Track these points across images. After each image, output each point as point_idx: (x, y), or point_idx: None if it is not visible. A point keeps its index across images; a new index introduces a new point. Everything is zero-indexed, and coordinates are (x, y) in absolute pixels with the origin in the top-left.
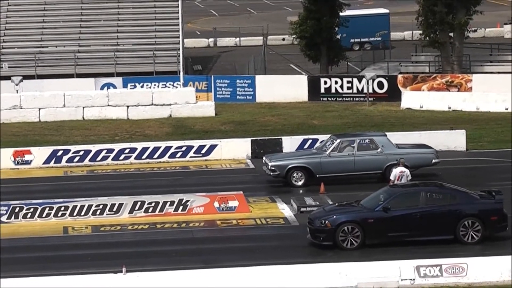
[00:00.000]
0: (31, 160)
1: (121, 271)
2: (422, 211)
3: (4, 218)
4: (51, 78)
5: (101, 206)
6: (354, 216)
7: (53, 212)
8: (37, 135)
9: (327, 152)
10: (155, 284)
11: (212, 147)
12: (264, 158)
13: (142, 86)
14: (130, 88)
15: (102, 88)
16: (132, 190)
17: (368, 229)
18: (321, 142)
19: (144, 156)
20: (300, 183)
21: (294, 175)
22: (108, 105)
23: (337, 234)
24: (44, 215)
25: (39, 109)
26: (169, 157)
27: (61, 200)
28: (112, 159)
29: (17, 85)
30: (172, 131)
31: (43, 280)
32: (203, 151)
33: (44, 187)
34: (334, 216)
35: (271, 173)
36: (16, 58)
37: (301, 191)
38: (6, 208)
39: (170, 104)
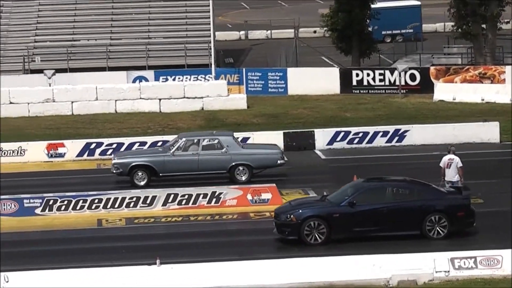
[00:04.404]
0: (64, 153)
1: (155, 263)
2: (387, 206)
3: (38, 211)
4: (83, 72)
5: (134, 199)
6: (320, 210)
7: (87, 204)
8: (70, 128)
9: (171, 151)
10: (189, 276)
11: (245, 139)
12: (113, 155)
13: (174, 79)
14: (162, 81)
15: (134, 81)
16: (165, 182)
17: (334, 224)
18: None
19: None
20: (143, 182)
21: (139, 173)
22: (140, 98)
23: (302, 229)
24: (78, 208)
25: (72, 102)
26: None
27: (95, 192)
28: None
29: (49, 78)
30: (205, 124)
31: (79, 272)
32: None
33: (77, 179)
34: (300, 211)
35: (114, 171)
36: (49, 52)
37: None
38: (41, 200)
39: (202, 97)
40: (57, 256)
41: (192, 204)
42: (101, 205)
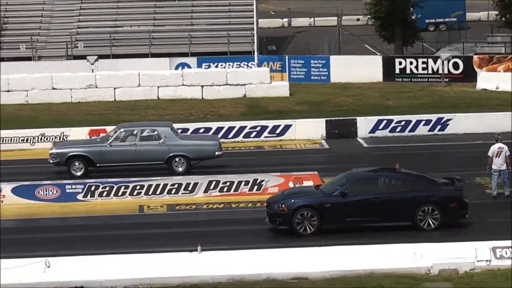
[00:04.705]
0: None
1: (196, 250)
2: (379, 197)
3: (80, 196)
4: (126, 58)
5: (176, 185)
6: (311, 200)
7: (128, 190)
8: (113, 114)
9: (109, 141)
10: (230, 263)
11: (287, 127)
12: (51, 145)
13: (216, 66)
14: (205, 68)
15: (176, 68)
16: (207, 169)
17: (325, 214)
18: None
19: (218, 136)
20: (79, 173)
21: (76, 164)
22: (183, 85)
23: (294, 219)
24: (120, 194)
25: (114, 88)
26: (243, 136)
27: (136, 178)
28: None
29: (92, 64)
30: (247, 111)
31: (120, 258)
32: (277, 131)
33: (119, 166)
34: (291, 200)
35: (52, 161)
36: (92, 38)
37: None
38: (82, 186)
39: (244, 84)
40: (99, 242)
41: (234, 191)
42: (143, 191)
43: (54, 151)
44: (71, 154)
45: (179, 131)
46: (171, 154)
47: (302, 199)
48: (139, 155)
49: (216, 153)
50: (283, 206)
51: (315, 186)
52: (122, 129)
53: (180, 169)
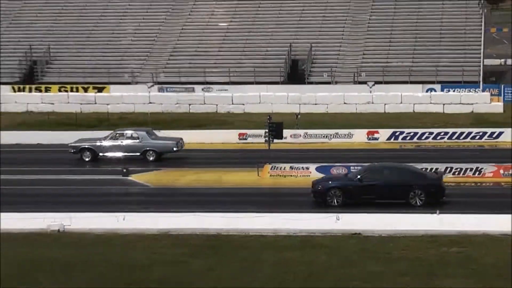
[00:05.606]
0: None
1: (435, 212)
2: (384, 182)
3: None
4: None
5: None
6: (339, 183)
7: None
8: None
9: (106, 139)
10: (465, 223)
11: None
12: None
13: None
14: None
15: None
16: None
17: (348, 193)
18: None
19: None
20: (88, 159)
21: (86, 153)
22: None
23: (327, 195)
24: None
25: None
26: None
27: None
28: None
29: None
30: None
31: (380, 216)
32: None
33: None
34: (327, 182)
35: (71, 151)
36: None
37: None
38: (360, 167)
39: None
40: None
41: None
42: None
43: (72, 144)
44: (82, 147)
45: None
46: (146, 148)
47: (333, 182)
48: (123, 149)
49: (174, 148)
50: (320, 186)
51: (345, 174)
52: (116, 132)
53: (151, 159)
